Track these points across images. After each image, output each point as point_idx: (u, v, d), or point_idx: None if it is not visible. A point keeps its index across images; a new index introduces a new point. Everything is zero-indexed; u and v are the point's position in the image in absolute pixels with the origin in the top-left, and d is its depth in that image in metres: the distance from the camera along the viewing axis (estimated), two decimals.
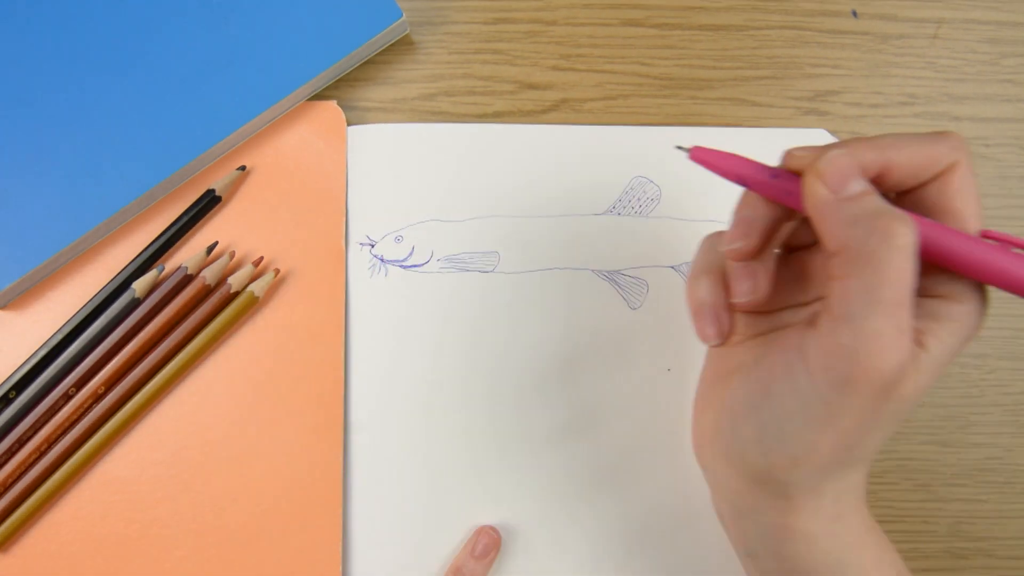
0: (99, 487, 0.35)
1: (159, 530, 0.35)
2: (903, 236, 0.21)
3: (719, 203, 0.37)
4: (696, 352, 0.36)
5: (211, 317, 0.35)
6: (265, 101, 0.35)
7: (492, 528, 0.35)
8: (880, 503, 0.37)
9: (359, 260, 0.36)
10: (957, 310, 0.23)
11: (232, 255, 0.36)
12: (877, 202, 0.23)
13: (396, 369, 0.36)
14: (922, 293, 0.23)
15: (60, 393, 0.34)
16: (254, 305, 0.35)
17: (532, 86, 0.38)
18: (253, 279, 0.35)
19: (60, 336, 0.34)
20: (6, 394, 0.34)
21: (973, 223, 0.23)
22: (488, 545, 0.34)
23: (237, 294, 0.35)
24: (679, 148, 0.28)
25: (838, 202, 0.23)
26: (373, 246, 0.36)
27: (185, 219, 0.35)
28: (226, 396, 0.35)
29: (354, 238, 0.36)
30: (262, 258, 0.36)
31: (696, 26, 0.38)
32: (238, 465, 0.35)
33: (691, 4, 0.39)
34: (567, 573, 0.36)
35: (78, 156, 0.34)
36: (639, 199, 0.37)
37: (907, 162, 0.23)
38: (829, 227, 0.23)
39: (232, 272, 0.35)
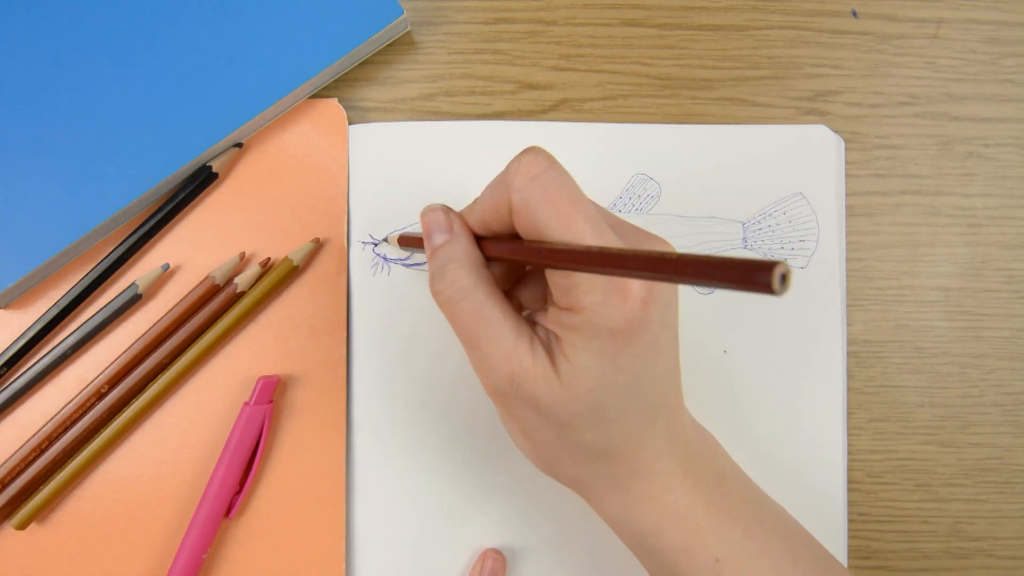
0: (102, 486, 0.35)
1: (162, 529, 0.35)
2: (442, 292, 0.26)
3: (719, 200, 0.37)
4: (692, 349, 0.36)
5: (217, 316, 0.35)
6: (266, 99, 0.35)
7: (495, 551, 0.35)
8: (880, 503, 0.37)
9: (361, 259, 0.36)
10: (579, 319, 0.24)
11: (242, 256, 0.36)
12: (439, 257, 0.26)
13: (399, 368, 0.36)
14: (560, 305, 0.25)
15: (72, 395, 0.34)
16: (294, 273, 0.36)
17: (532, 86, 0.38)
18: (259, 278, 0.35)
19: (47, 319, 0.34)
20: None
21: (554, 233, 0.24)
22: (494, 568, 0.34)
23: (243, 294, 0.35)
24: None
25: (428, 257, 0.27)
26: (376, 245, 0.36)
27: (182, 195, 0.35)
28: (228, 395, 0.35)
29: (356, 237, 0.36)
30: (269, 259, 0.36)
31: (696, 26, 0.38)
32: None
33: (691, 4, 0.39)
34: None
35: (78, 156, 0.34)
36: (639, 196, 0.37)
37: (491, 214, 0.26)
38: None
39: (239, 272, 0.35)
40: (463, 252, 0.26)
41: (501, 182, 0.25)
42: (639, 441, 0.26)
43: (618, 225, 0.27)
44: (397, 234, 0.35)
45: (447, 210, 0.28)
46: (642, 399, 0.25)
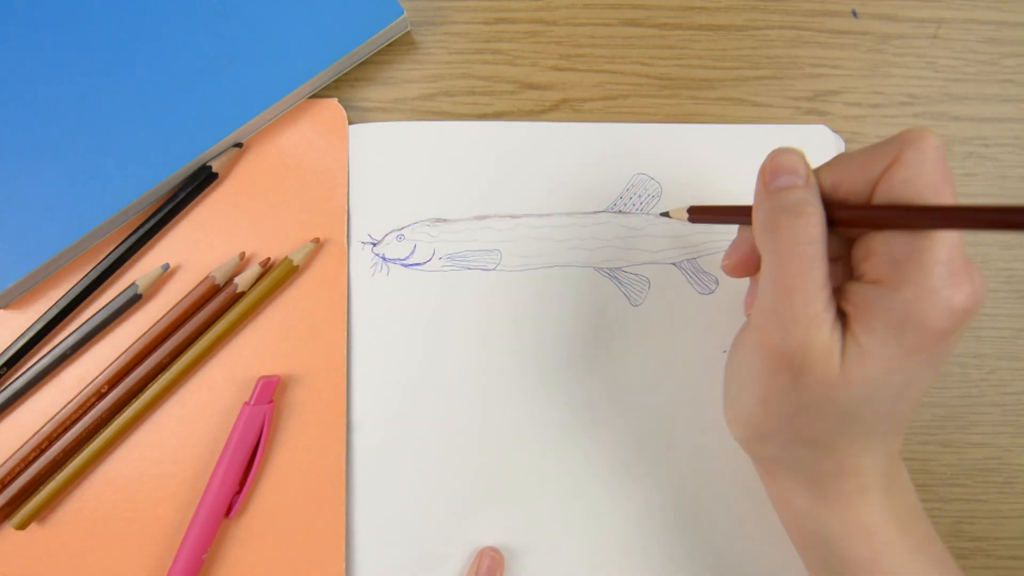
0: (102, 486, 0.35)
1: (162, 529, 0.35)
2: (789, 228, 0.24)
3: (719, 199, 0.37)
4: (694, 349, 0.36)
5: (217, 316, 0.35)
6: (266, 99, 0.35)
7: (493, 549, 0.35)
8: None
9: (361, 259, 0.36)
10: (895, 298, 0.22)
11: (242, 256, 0.36)
12: (795, 196, 0.24)
13: (398, 368, 0.36)
14: (882, 280, 0.23)
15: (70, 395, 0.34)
16: (294, 273, 0.35)
17: (532, 86, 0.38)
18: (259, 278, 0.35)
19: (47, 319, 0.34)
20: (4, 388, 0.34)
21: (926, 198, 0.23)
22: (491, 567, 0.34)
23: (243, 294, 0.35)
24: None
25: (767, 194, 0.25)
26: (375, 245, 0.36)
27: (182, 195, 0.35)
28: (228, 395, 0.35)
29: (356, 237, 0.36)
30: (269, 259, 0.36)
31: (696, 26, 0.39)
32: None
33: (691, 4, 0.39)
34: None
35: (78, 156, 0.34)
36: (640, 196, 0.37)
37: (858, 171, 0.24)
38: (754, 217, 0.25)
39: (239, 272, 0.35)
40: (819, 201, 0.24)
41: (895, 139, 0.24)
42: (863, 447, 0.25)
43: None
44: (684, 206, 0.32)
45: (807, 160, 0.26)
46: (893, 407, 0.24)
